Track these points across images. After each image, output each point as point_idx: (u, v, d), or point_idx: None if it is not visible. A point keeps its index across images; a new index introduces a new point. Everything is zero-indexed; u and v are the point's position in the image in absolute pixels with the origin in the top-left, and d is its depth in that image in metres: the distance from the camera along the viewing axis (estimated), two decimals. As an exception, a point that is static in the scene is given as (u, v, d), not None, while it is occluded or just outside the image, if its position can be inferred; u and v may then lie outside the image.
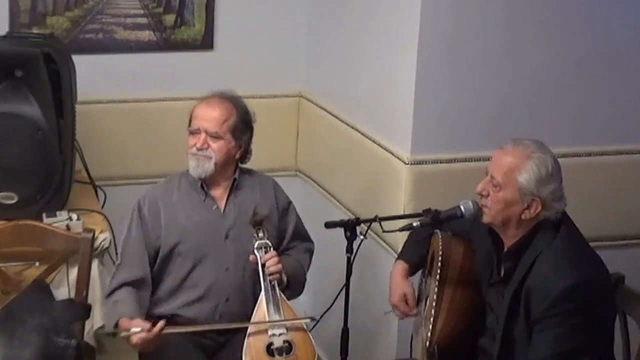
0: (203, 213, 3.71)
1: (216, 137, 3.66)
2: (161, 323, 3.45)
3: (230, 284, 3.68)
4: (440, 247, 3.36)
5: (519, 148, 3.15)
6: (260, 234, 3.58)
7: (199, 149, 3.65)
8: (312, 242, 3.93)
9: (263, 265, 3.53)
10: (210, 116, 3.66)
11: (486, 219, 3.21)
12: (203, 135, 3.65)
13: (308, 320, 3.59)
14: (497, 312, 3.23)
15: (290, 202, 3.87)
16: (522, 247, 3.16)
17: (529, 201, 3.11)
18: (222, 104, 3.70)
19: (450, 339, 3.26)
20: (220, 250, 3.68)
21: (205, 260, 3.68)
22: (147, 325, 3.43)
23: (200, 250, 3.68)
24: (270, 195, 3.80)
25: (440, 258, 3.34)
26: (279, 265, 3.55)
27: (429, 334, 3.25)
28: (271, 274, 3.52)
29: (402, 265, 3.53)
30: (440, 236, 3.41)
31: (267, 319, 3.48)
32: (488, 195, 3.18)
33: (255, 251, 3.56)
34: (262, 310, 3.50)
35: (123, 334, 3.46)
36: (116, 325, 3.53)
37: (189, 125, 3.70)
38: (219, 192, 3.74)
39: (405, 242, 3.62)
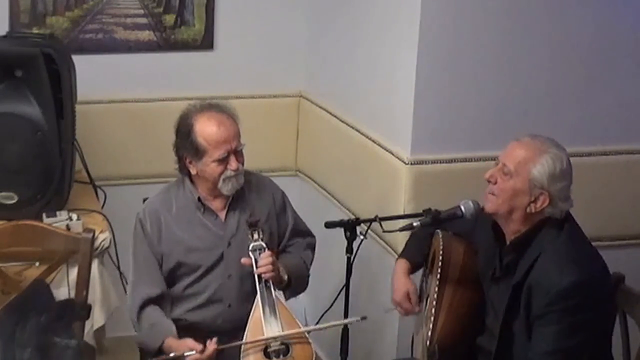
0: (204, 226, 3.68)
1: (240, 150, 3.62)
2: (213, 345, 3.43)
3: (232, 291, 3.67)
4: (441, 247, 3.36)
5: (536, 142, 3.16)
6: (255, 236, 3.57)
7: (238, 170, 3.59)
8: (312, 236, 3.90)
9: (258, 267, 3.53)
10: (230, 135, 3.56)
11: (490, 206, 3.19)
12: (232, 156, 3.58)
13: (358, 319, 3.56)
14: (497, 309, 3.24)
15: (284, 196, 3.82)
16: (524, 242, 3.16)
17: (536, 194, 3.11)
18: (226, 118, 3.61)
19: (450, 338, 3.26)
20: (223, 258, 3.67)
21: (209, 270, 3.67)
22: (200, 346, 3.42)
23: (205, 262, 3.66)
24: (268, 196, 3.78)
25: (441, 257, 3.34)
26: (271, 269, 3.53)
27: (430, 333, 3.25)
28: (265, 275, 3.52)
29: (404, 264, 3.53)
30: (441, 236, 3.41)
31: (262, 322, 3.47)
32: (496, 182, 3.17)
33: (250, 253, 3.55)
34: (258, 312, 3.50)
35: (173, 354, 3.45)
36: (160, 346, 3.52)
37: (197, 153, 3.56)
38: (219, 202, 3.69)
39: (407, 241, 3.63)
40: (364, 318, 3.56)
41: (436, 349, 3.24)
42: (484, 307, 3.32)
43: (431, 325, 3.26)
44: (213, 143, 3.56)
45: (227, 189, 3.62)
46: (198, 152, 3.57)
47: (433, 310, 3.27)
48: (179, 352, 3.44)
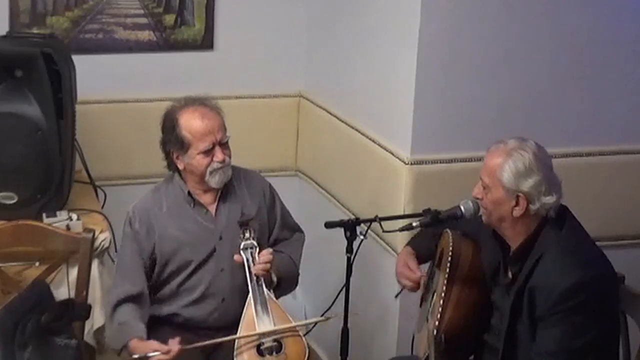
0: (195, 220, 3.69)
1: (226, 143, 3.65)
2: (177, 346, 3.43)
3: (226, 285, 3.68)
4: (451, 245, 3.38)
5: (500, 148, 3.19)
6: (247, 235, 3.59)
7: (224, 162, 3.62)
8: (301, 231, 3.92)
9: (249, 266, 3.54)
10: (214, 127, 3.60)
11: (484, 219, 3.27)
12: (218, 147, 3.61)
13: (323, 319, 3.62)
14: (502, 311, 3.26)
15: (272, 189, 3.83)
16: (528, 249, 3.18)
17: (515, 198, 3.14)
18: (210, 110, 3.64)
19: (456, 331, 3.29)
20: (215, 252, 3.68)
21: (202, 264, 3.68)
22: (164, 347, 3.43)
23: (197, 256, 3.67)
24: (258, 190, 3.79)
25: (450, 255, 3.36)
26: (268, 267, 3.55)
27: (437, 323, 3.27)
28: (261, 270, 3.53)
29: (407, 249, 3.55)
30: (450, 234, 3.43)
31: (255, 319, 3.49)
32: (482, 198, 3.23)
33: (241, 252, 3.57)
34: (250, 310, 3.51)
35: (136, 356, 3.45)
36: (125, 345, 3.52)
37: (183, 146, 3.59)
38: (209, 196, 3.71)
39: (415, 235, 3.63)
40: (328, 318, 3.62)
41: (442, 339, 3.26)
42: (490, 306, 3.34)
43: (438, 316, 3.28)
44: (197, 135, 3.59)
45: (214, 181, 3.64)
46: (184, 146, 3.61)
47: (441, 301, 3.30)
48: (143, 352, 3.44)
